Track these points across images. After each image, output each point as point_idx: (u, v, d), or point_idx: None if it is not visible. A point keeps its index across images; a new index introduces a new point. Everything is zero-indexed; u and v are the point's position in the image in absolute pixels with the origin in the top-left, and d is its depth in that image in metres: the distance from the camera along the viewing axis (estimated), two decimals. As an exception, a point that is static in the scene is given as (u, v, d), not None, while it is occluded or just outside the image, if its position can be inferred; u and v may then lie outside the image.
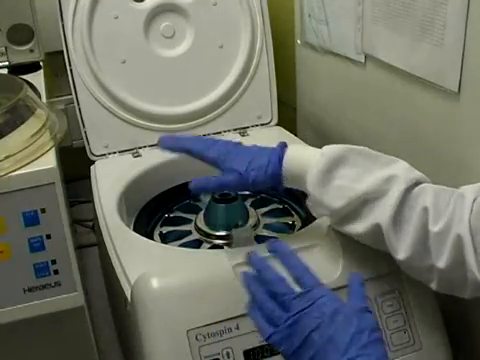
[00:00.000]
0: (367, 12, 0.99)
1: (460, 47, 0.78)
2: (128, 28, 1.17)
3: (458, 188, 0.70)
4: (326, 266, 0.80)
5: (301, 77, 1.33)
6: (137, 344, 0.76)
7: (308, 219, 0.98)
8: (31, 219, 0.80)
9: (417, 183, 0.71)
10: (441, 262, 0.67)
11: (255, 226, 1.01)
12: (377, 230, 0.72)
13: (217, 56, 1.22)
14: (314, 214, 0.80)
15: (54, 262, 0.83)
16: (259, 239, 0.98)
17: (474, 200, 0.66)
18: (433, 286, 0.71)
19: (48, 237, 0.82)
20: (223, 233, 0.99)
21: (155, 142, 1.19)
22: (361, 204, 0.73)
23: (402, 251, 0.70)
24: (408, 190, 0.71)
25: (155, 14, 1.18)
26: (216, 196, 1.02)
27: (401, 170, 0.73)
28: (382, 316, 0.80)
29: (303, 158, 0.78)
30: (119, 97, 1.16)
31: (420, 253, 0.69)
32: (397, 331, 0.80)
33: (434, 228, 0.67)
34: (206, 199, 1.06)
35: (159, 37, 1.20)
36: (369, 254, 0.81)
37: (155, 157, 1.14)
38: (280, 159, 0.79)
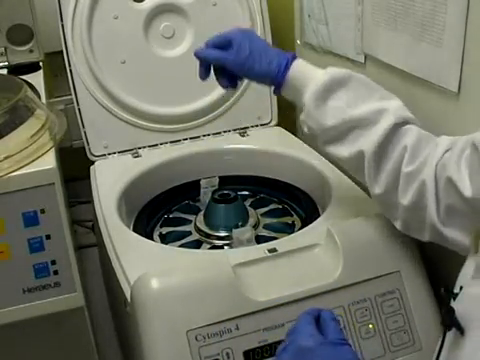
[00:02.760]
0: (367, 12, 0.99)
1: (460, 47, 0.78)
2: (128, 28, 1.17)
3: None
4: (326, 266, 0.80)
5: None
6: (137, 344, 0.76)
7: (308, 219, 0.98)
8: (31, 219, 0.80)
9: (406, 122, 0.75)
10: (405, 201, 0.72)
11: (255, 226, 1.01)
12: (360, 157, 0.76)
13: (217, 56, 1.22)
14: (304, 129, 0.83)
15: (54, 263, 0.83)
16: (259, 239, 0.98)
17: (446, 151, 0.70)
18: (398, 225, 0.77)
19: (48, 237, 0.82)
20: (223, 233, 0.99)
21: (155, 142, 1.21)
22: (350, 128, 0.77)
23: (378, 186, 0.75)
24: (396, 126, 0.74)
25: (155, 14, 1.18)
26: (216, 196, 1.02)
27: (395, 106, 0.76)
28: (382, 316, 0.80)
29: (309, 72, 0.81)
30: (119, 97, 1.16)
31: (390, 190, 0.74)
32: (397, 331, 0.80)
33: (406, 168, 0.72)
34: (206, 199, 1.06)
35: (159, 37, 1.20)
36: (369, 254, 0.81)
37: (155, 157, 1.15)
38: (287, 63, 0.81)
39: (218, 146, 1.20)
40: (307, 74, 0.81)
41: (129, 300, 0.78)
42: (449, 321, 0.53)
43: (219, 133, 1.23)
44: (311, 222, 0.92)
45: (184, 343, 0.73)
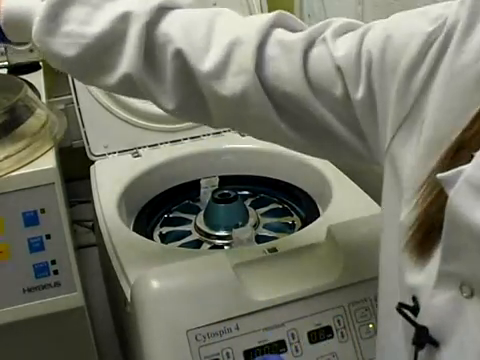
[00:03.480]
0: (367, 12, 0.99)
1: (460, 47, 0.78)
2: (128, 28, 1.17)
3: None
4: (326, 266, 0.80)
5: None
6: (137, 344, 0.76)
7: (308, 219, 0.98)
8: (31, 219, 0.80)
9: (160, 11, 0.61)
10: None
11: (255, 226, 1.01)
12: (130, 80, 0.63)
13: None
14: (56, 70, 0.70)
15: (54, 262, 0.82)
16: (259, 239, 0.98)
17: (259, 46, 0.58)
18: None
19: (48, 237, 0.81)
20: (223, 233, 0.99)
21: (155, 142, 1.21)
22: (99, 51, 0.63)
23: (167, 100, 0.64)
24: (150, 26, 0.61)
25: (155, 14, 1.18)
26: (216, 196, 1.02)
27: (135, 3, 0.62)
28: (382, 316, 0.80)
29: (24, 5, 0.66)
30: (119, 97, 1.16)
31: (187, 99, 0.63)
32: (397, 331, 0.80)
33: (199, 72, 0.60)
34: (206, 199, 1.06)
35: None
36: (369, 254, 0.81)
37: (155, 157, 1.15)
38: None
39: (218, 146, 1.20)
40: (23, 10, 0.65)
41: (129, 300, 0.78)
42: (424, 339, 0.47)
43: (219, 133, 1.23)
44: (311, 222, 0.92)
45: (184, 343, 0.73)
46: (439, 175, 0.44)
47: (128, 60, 0.62)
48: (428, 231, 0.48)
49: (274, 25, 0.60)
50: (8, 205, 0.79)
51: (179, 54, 0.60)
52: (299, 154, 1.12)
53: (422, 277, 0.48)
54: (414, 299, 0.49)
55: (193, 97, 0.63)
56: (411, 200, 0.49)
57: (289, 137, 0.62)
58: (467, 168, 0.42)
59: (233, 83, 0.59)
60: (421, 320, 0.48)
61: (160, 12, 0.62)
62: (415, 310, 0.49)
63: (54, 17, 0.63)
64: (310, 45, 0.58)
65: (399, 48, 0.52)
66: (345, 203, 0.94)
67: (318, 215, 0.98)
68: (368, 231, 0.84)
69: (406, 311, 0.49)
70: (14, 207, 0.79)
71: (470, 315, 0.44)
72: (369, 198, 0.95)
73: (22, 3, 0.66)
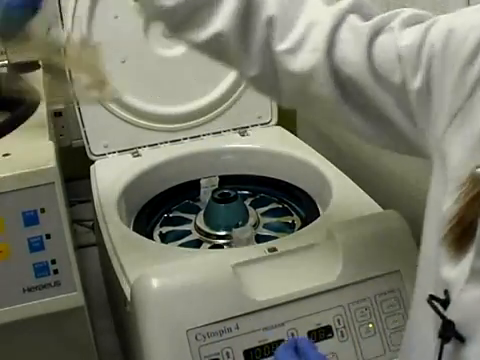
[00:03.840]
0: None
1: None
2: (128, 27, 1.16)
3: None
4: (326, 266, 0.80)
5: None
6: (137, 344, 0.76)
7: (308, 219, 0.98)
8: (31, 219, 0.80)
9: None
10: (286, 85, 0.65)
11: (255, 225, 1.01)
12: (220, 39, 0.64)
13: (217, 56, 1.22)
14: (145, 19, 0.71)
15: (54, 262, 0.82)
16: (259, 239, 0.98)
17: (333, 29, 0.61)
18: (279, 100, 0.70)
19: (48, 237, 0.81)
20: (223, 233, 0.99)
21: (155, 142, 1.21)
22: (197, 4, 0.64)
23: (250, 66, 0.66)
24: None
25: (155, 14, 1.18)
26: (216, 196, 1.02)
27: None
28: (382, 316, 0.80)
29: None
30: (119, 97, 1.16)
31: (267, 70, 0.65)
32: (397, 331, 0.80)
33: (278, 47, 0.63)
34: (206, 199, 1.06)
35: (159, 37, 1.18)
36: (369, 253, 0.81)
37: (155, 157, 1.15)
38: None
39: (218, 145, 1.20)
40: None
41: (129, 299, 0.78)
42: (450, 333, 0.48)
43: (219, 132, 1.23)
44: (311, 222, 0.92)
45: (184, 342, 0.73)
46: (479, 169, 0.45)
47: (223, 18, 0.63)
48: (467, 226, 0.48)
49: (350, 10, 0.62)
50: (8, 205, 0.79)
51: (270, 22, 0.63)
52: (299, 154, 1.13)
53: (456, 272, 0.49)
54: (446, 293, 0.50)
55: (270, 68, 0.65)
56: (454, 193, 0.49)
57: (351, 120, 0.64)
58: None
59: (304, 60, 0.62)
60: (449, 314, 0.49)
61: None
62: (445, 304, 0.50)
63: None
64: (377, 33, 0.60)
65: (460, 41, 0.53)
66: (345, 203, 0.94)
67: (318, 215, 0.98)
68: (368, 231, 0.84)
69: (436, 303, 0.50)
70: (14, 207, 0.79)
71: None
72: (369, 198, 0.95)
73: None
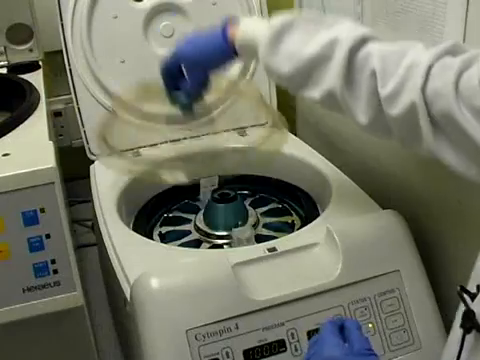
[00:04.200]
0: (366, 11, 0.99)
1: (460, 47, 0.78)
2: (127, 27, 1.17)
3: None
4: (326, 266, 0.80)
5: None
6: (137, 344, 0.76)
7: (308, 219, 0.98)
8: (30, 219, 0.80)
9: (363, 40, 0.71)
10: (395, 123, 0.69)
11: (255, 225, 1.01)
12: (332, 94, 0.73)
13: (217, 56, 1.22)
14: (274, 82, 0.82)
15: (53, 262, 0.83)
16: (259, 238, 0.98)
17: (429, 67, 0.65)
18: (396, 140, 0.73)
19: (47, 237, 0.82)
20: (223, 233, 0.99)
21: (155, 142, 1.21)
22: (310, 69, 0.74)
23: (361, 115, 0.72)
24: (352, 51, 0.70)
25: (154, 14, 1.18)
26: (216, 196, 1.02)
27: (344, 31, 0.72)
28: (381, 315, 0.80)
29: (255, 26, 0.80)
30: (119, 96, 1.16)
31: (377, 116, 0.70)
32: (397, 330, 0.80)
33: (383, 91, 0.68)
34: (206, 199, 1.06)
35: (158, 36, 1.19)
36: (369, 253, 0.81)
37: (155, 157, 1.14)
38: (226, 22, 0.83)
39: (218, 146, 1.20)
40: (254, 29, 0.80)
41: (129, 299, 0.78)
42: (471, 324, 0.51)
43: (219, 133, 1.23)
44: (311, 221, 0.92)
45: (184, 342, 0.73)
46: None
47: (332, 78, 0.72)
48: None
49: (448, 52, 0.66)
50: (8, 205, 0.79)
51: (373, 75, 0.69)
52: (299, 154, 1.13)
53: None
54: (478, 287, 0.53)
55: (380, 115, 0.70)
56: None
57: (447, 159, 0.67)
58: None
59: (404, 99, 0.66)
60: (475, 306, 0.51)
61: (363, 40, 0.71)
62: (475, 297, 0.52)
63: (277, 39, 0.76)
64: (467, 67, 0.63)
65: None
66: (345, 203, 0.94)
67: (318, 214, 0.98)
68: (368, 231, 0.84)
69: (465, 295, 0.53)
70: (14, 206, 0.79)
71: None
72: (369, 198, 0.95)
73: (253, 28, 0.80)
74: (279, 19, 0.77)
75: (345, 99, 0.72)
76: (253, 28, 0.80)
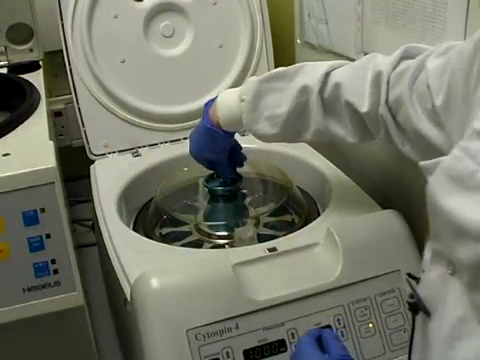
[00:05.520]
0: (367, 11, 0.99)
1: (460, 46, 0.78)
2: (128, 27, 1.17)
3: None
4: (326, 265, 0.80)
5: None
6: (137, 344, 0.76)
7: (308, 218, 0.98)
8: (31, 219, 0.80)
9: (326, 76, 0.78)
10: (380, 135, 0.77)
11: (255, 225, 1.01)
12: (321, 132, 0.81)
13: (217, 56, 1.22)
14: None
15: (54, 262, 0.83)
16: (260, 238, 0.97)
17: (388, 79, 0.72)
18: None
19: (48, 237, 0.82)
20: (224, 233, 0.99)
21: (155, 141, 1.21)
22: (293, 121, 0.82)
23: (350, 137, 0.80)
24: (322, 90, 0.78)
25: (155, 13, 1.18)
26: (216, 196, 1.01)
27: (307, 76, 0.80)
28: (382, 315, 0.80)
29: (229, 103, 0.88)
30: (119, 96, 1.16)
31: (366, 133, 0.78)
32: (397, 330, 0.80)
33: (363, 109, 0.74)
34: (206, 199, 1.06)
35: (159, 36, 1.20)
36: (369, 253, 0.81)
37: (155, 156, 1.15)
38: (207, 105, 0.92)
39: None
40: (230, 107, 0.87)
41: (129, 299, 0.78)
42: (415, 306, 0.56)
43: (219, 132, 1.23)
44: (311, 221, 0.92)
45: (184, 342, 0.73)
46: (421, 163, 0.52)
47: (314, 120, 0.80)
48: None
49: (403, 58, 0.72)
50: (8, 204, 0.79)
51: (348, 104, 0.76)
52: (299, 154, 1.13)
53: (428, 253, 0.57)
54: (424, 271, 0.58)
55: (368, 129, 0.78)
56: None
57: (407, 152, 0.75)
58: (445, 159, 0.49)
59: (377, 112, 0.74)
60: (419, 290, 0.57)
61: (326, 77, 0.78)
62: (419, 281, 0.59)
63: (254, 110, 0.84)
64: (420, 70, 0.68)
65: (464, 57, 0.58)
66: (345, 203, 0.94)
67: (318, 215, 0.98)
68: (368, 231, 0.84)
69: (410, 280, 0.60)
70: (14, 206, 0.79)
71: (451, 290, 0.51)
72: (369, 198, 0.95)
73: (230, 107, 0.88)
74: (246, 91, 0.85)
75: (332, 131, 0.80)
76: (229, 106, 0.87)
